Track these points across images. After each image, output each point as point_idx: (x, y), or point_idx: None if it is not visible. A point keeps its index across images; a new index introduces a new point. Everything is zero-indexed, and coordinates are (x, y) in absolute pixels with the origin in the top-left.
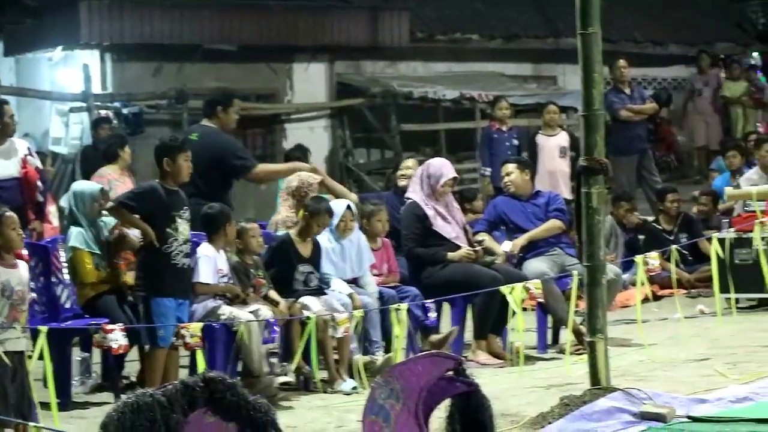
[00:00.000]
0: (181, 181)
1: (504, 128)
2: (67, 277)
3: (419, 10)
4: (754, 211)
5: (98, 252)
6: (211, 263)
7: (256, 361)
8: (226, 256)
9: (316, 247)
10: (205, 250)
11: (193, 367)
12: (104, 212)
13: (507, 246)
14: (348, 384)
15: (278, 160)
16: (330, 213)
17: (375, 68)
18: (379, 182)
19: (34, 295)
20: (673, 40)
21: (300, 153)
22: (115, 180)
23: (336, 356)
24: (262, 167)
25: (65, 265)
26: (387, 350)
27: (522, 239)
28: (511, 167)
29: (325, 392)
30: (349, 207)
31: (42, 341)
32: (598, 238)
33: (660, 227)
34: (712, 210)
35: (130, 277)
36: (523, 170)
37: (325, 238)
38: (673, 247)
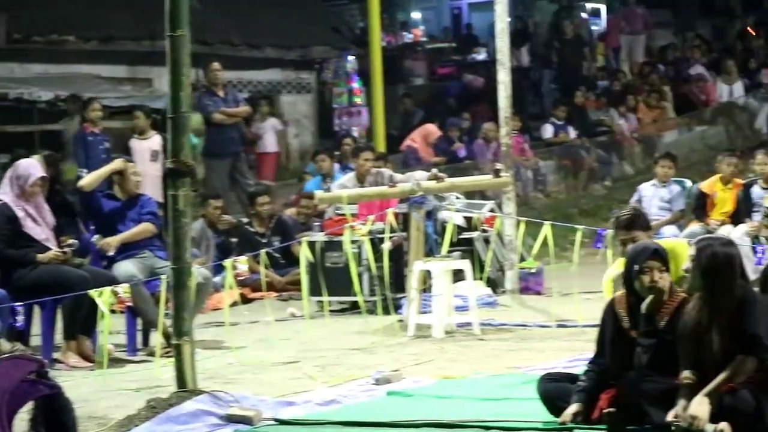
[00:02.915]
0: None
1: (97, 130)
2: None
3: (16, 11)
4: (345, 215)
5: None
6: None
7: None
8: None
9: None
10: None
11: None
12: None
13: None
14: None
15: None
16: None
17: None
18: None
19: None
20: (270, 44)
21: None
22: None
23: None
24: None
25: None
26: None
27: (115, 240)
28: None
29: None
30: None
31: None
32: (185, 240)
33: (253, 230)
34: (314, 213)
35: None
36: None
37: None
38: (263, 250)
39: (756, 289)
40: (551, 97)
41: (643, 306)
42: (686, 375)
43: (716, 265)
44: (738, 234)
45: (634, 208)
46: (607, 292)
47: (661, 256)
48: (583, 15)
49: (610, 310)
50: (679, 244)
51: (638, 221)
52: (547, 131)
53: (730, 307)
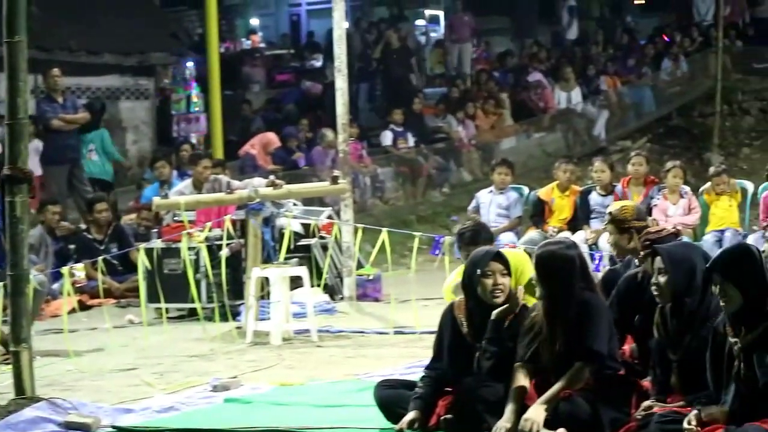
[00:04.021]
0: None
1: None
2: None
3: None
4: (183, 222)
5: None
6: None
7: None
8: None
9: None
10: None
11: None
12: None
13: None
14: None
15: None
16: None
17: None
18: None
19: None
20: (108, 50)
21: None
22: None
23: None
24: None
25: None
26: None
27: None
28: None
29: None
30: None
31: None
32: (22, 247)
33: (91, 236)
34: (155, 223)
35: None
36: None
37: None
38: (101, 257)
39: None
40: (368, 110)
41: (494, 313)
42: (518, 364)
43: (553, 265)
44: (576, 241)
45: (476, 221)
46: (447, 299)
47: (503, 259)
48: (422, 22)
49: (449, 315)
50: (518, 255)
51: (482, 234)
52: (387, 138)
53: (569, 309)
